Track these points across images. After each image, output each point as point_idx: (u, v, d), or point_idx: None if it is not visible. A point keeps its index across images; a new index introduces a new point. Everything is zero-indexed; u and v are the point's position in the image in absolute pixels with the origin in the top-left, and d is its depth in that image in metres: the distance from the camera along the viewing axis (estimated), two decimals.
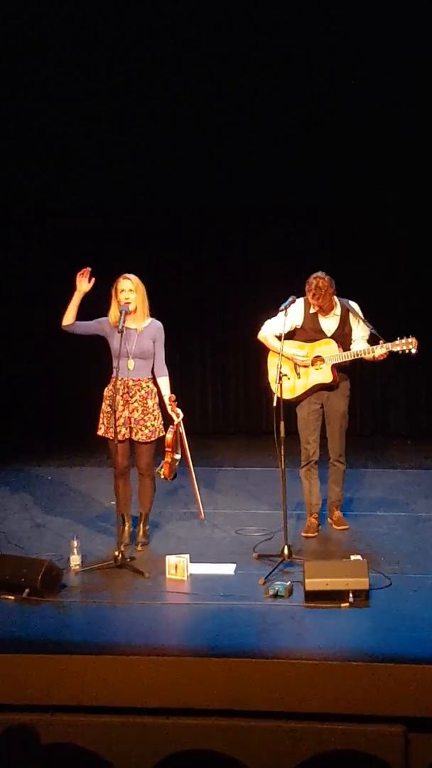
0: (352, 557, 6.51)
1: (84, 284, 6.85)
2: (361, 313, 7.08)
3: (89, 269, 6.86)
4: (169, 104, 10.04)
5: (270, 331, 7.05)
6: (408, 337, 6.81)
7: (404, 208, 9.86)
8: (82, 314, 6.97)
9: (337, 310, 7.06)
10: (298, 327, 7.08)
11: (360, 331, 7.06)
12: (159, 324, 6.96)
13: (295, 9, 9.57)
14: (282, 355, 6.80)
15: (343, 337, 7.05)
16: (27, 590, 6.15)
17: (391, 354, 6.90)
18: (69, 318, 6.90)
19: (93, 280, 6.85)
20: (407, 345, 6.81)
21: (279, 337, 6.89)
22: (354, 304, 7.10)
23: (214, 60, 9.81)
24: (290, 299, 6.86)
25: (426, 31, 9.39)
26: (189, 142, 10.01)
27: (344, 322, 7.06)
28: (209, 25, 9.74)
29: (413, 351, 6.82)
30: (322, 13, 9.52)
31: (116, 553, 6.65)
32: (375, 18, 9.41)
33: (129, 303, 6.79)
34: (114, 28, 9.83)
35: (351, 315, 7.05)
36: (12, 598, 6.18)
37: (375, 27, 9.45)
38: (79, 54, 9.95)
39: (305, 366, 7.04)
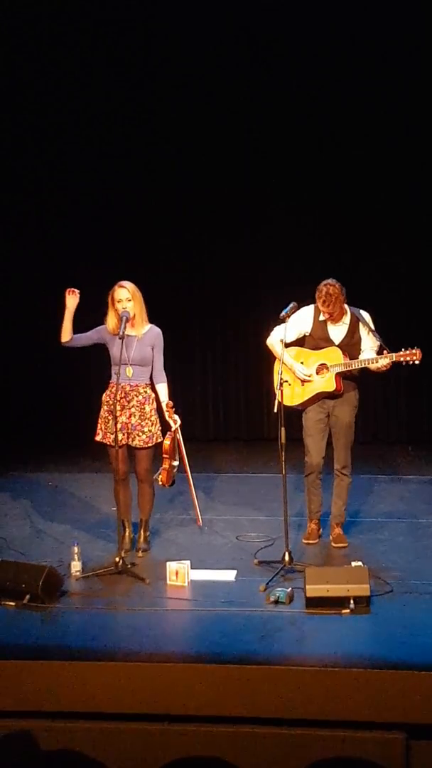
0: (353, 564, 6.50)
1: (71, 301, 6.89)
2: (371, 324, 7.03)
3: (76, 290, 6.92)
4: (168, 109, 10.03)
5: (278, 337, 7.03)
6: (412, 348, 6.79)
7: (411, 215, 9.85)
8: (83, 324, 7.00)
9: (347, 318, 7.02)
10: (307, 334, 7.06)
11: (369, 341, 7.00)
12: (158, 330, 6.97)
13: (297, 9, 9.58)
14: (282, 362, 6.81)
15: (350, 347, 7.00)
16: (28, 596, 6.15)
17: (395, 364, 6.88)
18: (66, 335, 6.94)
19: (77, 292, 6.89)
20: (411, 356, 6.78)
21: (284, 344, 6.89)
22: (366, 314, 7.05)
23: (214, 61, 9.80)
24: (291, 306, 6.85)
25: (426, 31, 9.41)
26: (188, 147, 10.00)
27: (353, 332, 7.02)
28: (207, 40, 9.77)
29: (417, 362, 6.81)
30: (326, 12, 9.53)
31: (117, 559, 6.65)
32: (379, 19, 9.42)
33: (128, 310, 6.80)
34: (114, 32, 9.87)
35: (361, 325, 7.01)
36: (13, 604, 6.18)
37: (377, 28, 9.46)
38: (79, 54, 9.95)
39: (306, 381, 7.01)
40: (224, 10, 9.62)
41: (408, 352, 6.78)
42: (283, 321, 6.81)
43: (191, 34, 9.75)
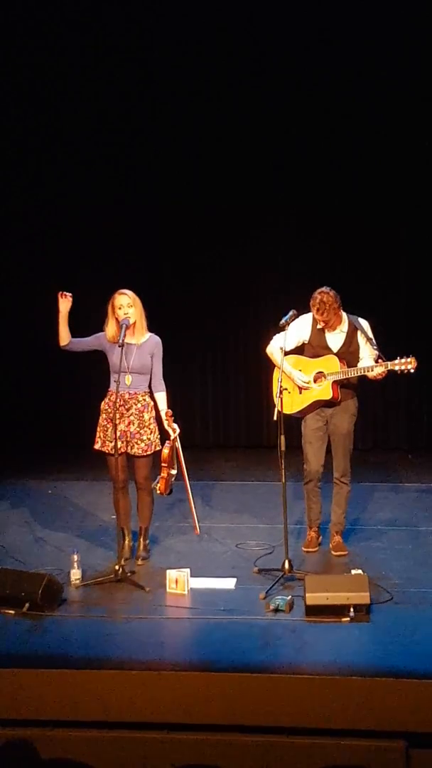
0: (353, 571, 6.50)
1: (63, 304, 6.87)
2: (370, 332, 7.02)
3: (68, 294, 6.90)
4: (168, 115, 10.04)
5: (278, 345, 7.02)
6: (408, 356, 6.80)
7: (409, 222, 9.86)
8: (84, 327, 6.99)
9: (344, 326, 7.02)
10: (306, 342, 7.06)
11: (367, 349, 7.00)
12: (157, 339, 6.97)
13: (299, 12, 9.58)
14: (282, 370, 6.81)
15: (348, 355, 7.00)
16: (27, 604, 6.14)
17: (391, 372, 6.88)
18: (63, 339, 6.94)
19: (70, 296, 6.88)
20: (406, 364, 6.78)
21: (283, 352, 6.89)
22: (364, 322, 7.05)
23: (214, 65, 9.81)
24: (291, 313, 6.85)
25: (426, 32, 9.43)
26: (188, 152, 10.01)
27: (351, 340, 7.02)
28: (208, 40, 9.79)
29: (412, 370, 6.81)
30: (327, 18, 9.54)
31: (116, 567, 6.65)
32: (380, 25, 9.43)
33: (129, 317, 6.80)
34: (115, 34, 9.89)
35: (359, 333, 7.02)
36: (12, 612, 6.17)
37: (379, 34, 9.47)
38: (81, 58, 9.96)
39: (304, 388, 7.01)
40: (224, 18, 9.65)
41: (403, 360, 6.79)
42: (282, 329, 6.81)
43: (190, 40, 9.77)
